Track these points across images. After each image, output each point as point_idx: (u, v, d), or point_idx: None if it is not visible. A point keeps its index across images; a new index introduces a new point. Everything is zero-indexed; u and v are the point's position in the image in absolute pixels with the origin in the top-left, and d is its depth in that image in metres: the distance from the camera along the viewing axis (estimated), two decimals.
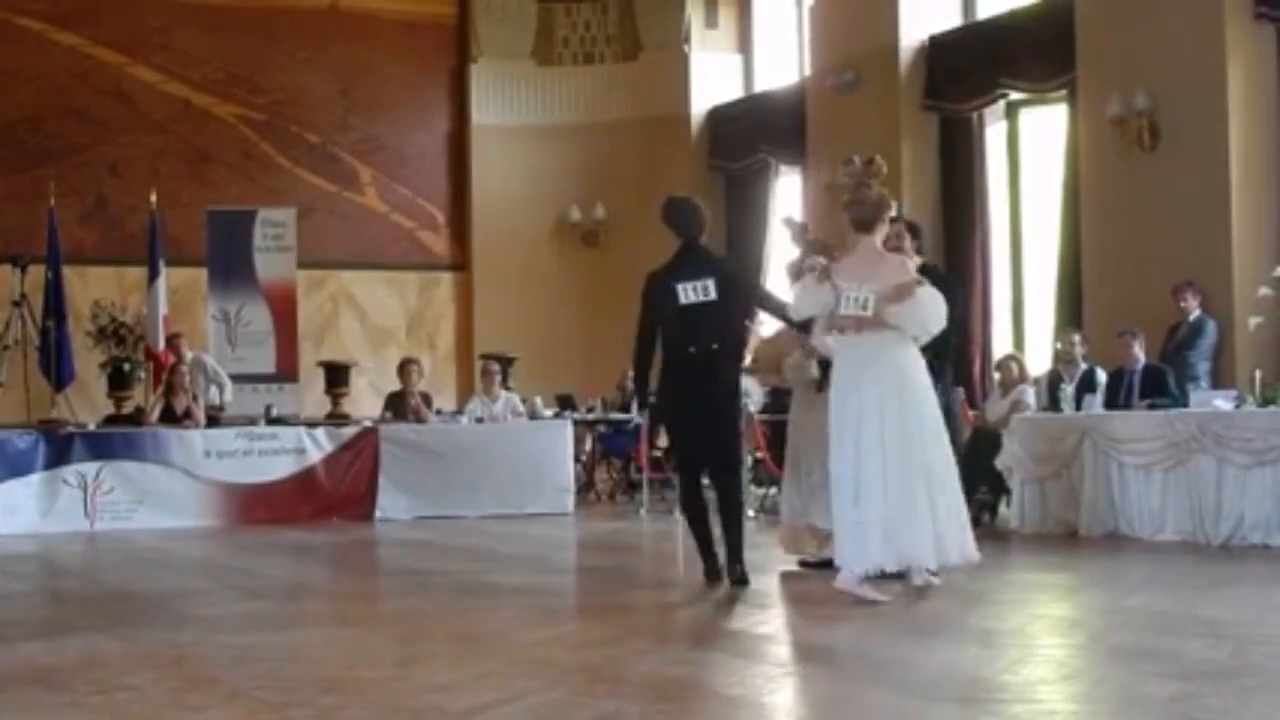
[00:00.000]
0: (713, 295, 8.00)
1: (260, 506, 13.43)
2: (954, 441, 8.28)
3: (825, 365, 8.68)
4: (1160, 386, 11.51)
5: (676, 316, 8.01)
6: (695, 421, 8.04)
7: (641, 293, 8.14)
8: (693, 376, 7.98)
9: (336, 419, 15.36)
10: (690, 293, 8.00)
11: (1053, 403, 12.10)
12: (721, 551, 8.02)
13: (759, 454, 13.89)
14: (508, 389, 15.31)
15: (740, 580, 7.86)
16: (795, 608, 7.49)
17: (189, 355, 15.17)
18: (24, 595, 8.70)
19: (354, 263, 19.36)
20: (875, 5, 16.30)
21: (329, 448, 13.82)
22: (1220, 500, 9.80)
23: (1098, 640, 6.32)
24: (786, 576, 8.60)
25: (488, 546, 10.89)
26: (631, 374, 8.55)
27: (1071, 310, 14.10)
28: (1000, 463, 11.65)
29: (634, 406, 8.53)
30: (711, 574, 8.02)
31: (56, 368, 15.65)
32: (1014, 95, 15.43)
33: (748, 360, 12.27)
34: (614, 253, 19.65)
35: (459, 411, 15.29)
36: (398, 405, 14.83)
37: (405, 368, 15.08)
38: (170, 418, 13.88)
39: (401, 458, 13.77)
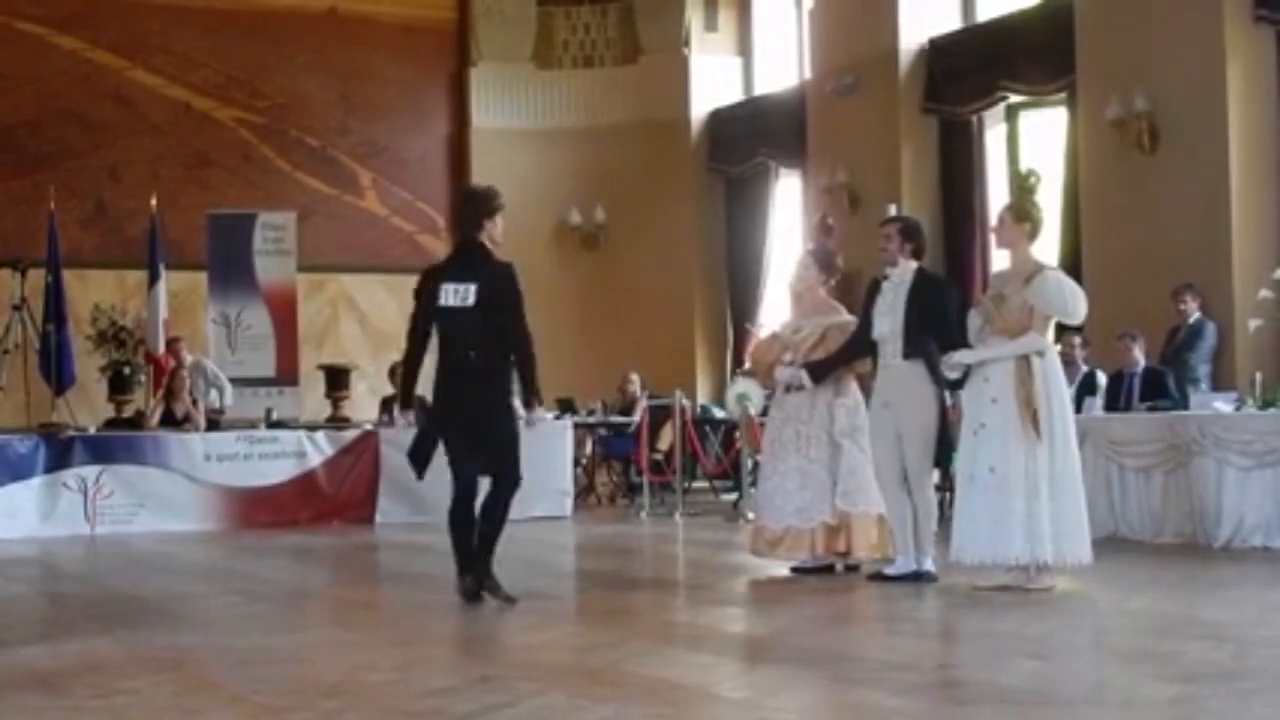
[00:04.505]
0: (471, 301, 7.55)
1: (261, 510, 13.42)
2: (949, 446, 8.31)
3: (815, 374, 8.68)
4: (1160, 389, 11.51)
5: (439, 319, 7.64)
6: (460, 428, 7.65)
7: (415, 289, 7.73)
8: (456, 382, 7.65)
9: (337, 422, 15.35)
10: (450, 295, 7.61)
11: None
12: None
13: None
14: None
15: (472, 594, 7.47)
16: (795, 610, 7.48)
17: (189, 359, 15.17)
18: (24, 599, 8.70)
19: (354, 266, 19.35)
20: (875, 8, 16.31)
21: (329, 451, 13.81)
22: (1220, 503, 9.79)
23: (1099, 642, 6.32)
24: (787, 580, 8.60)
25: None
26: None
27: None
28: None
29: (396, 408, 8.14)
30: (469, 593, 7.51)
31: (57, 371, 15.66)
32: (1014, 98, 15.42)
33: (747, 364, 12.28)
34: (614, 256, 19.66)
35: None
36: (391, 408, 14.86)
37: (396, 371, 15.09)
38: (170, 421, 13.87)
39: (402, 461, 13.66)
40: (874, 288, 8.39)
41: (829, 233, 9.50)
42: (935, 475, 8.36)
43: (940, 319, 8.11)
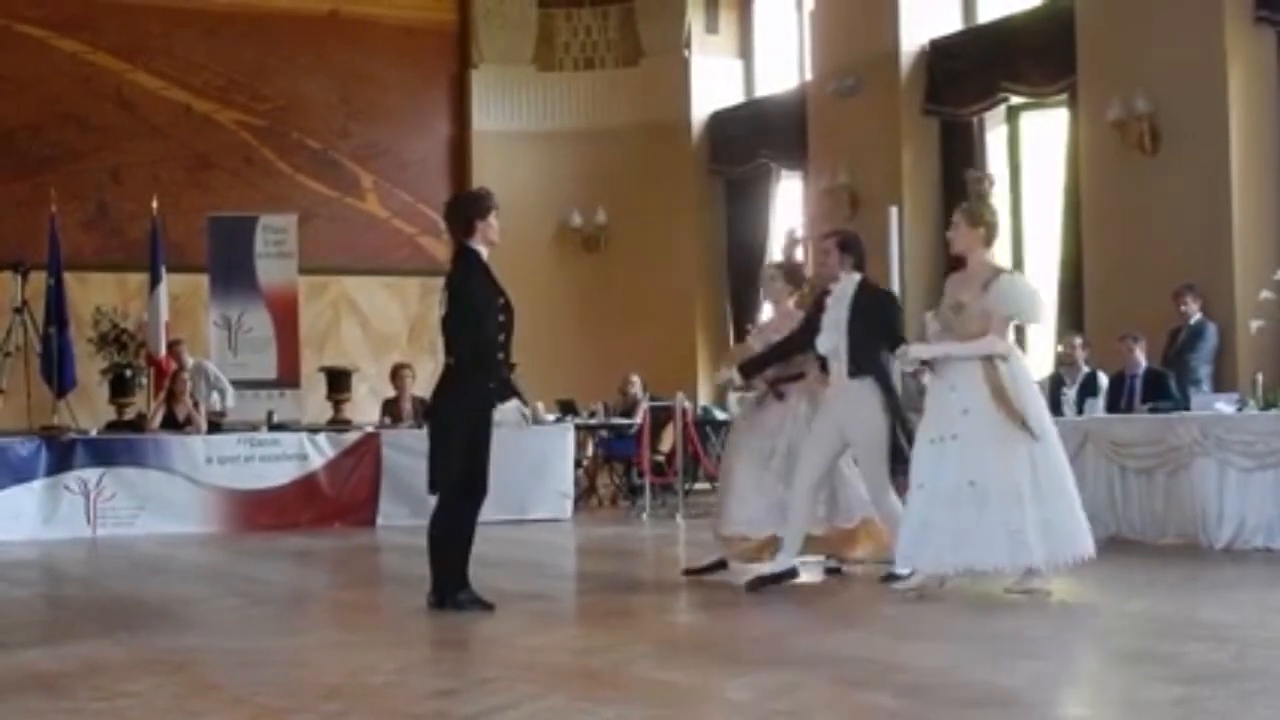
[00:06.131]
0: (443, 310, 7.45)
1: (262, 512, 13.42)
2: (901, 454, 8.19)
3: (746, 371, 8.57)
4: (1162, 390, 11.51)
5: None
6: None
7: None
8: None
9: (338, 425, 15.36)
10: (440, 304, 7.53)
11: (1054, 406, 12.08)
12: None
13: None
14: None
15: (434, 605, 7.41)
16: (797, 612, 7.48)
17: (190, 361, 15.18)
18: (26, 601, 8.70)
19: (355, 268, 19.37)
20: (875, 9, 16.31)
21: (331, 453, 13.82)
22: (1222, 504, 9.79)
23: (1100, 644, 6.32)
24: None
25: (488, 552, 10.88)
26: None
27: (1073, 313, 14.11)
28: None
29: None
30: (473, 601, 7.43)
31: (58, 374, 15.66)
32: (1015, 99, 15.43)
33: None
34: (615, 258, 19.67)
35: None
36: (393, 410, 14.90)
37: (397, 373, 15.15)
38: (172, 424, 13.88)
39: (403, 463, 13.74)
40: (820, 301, 8.33)
41: (797, 246, 9.56)
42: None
43: (885, 328, 8.07)
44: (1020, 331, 8.15)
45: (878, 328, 8.07)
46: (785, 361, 8.60)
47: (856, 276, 8.22)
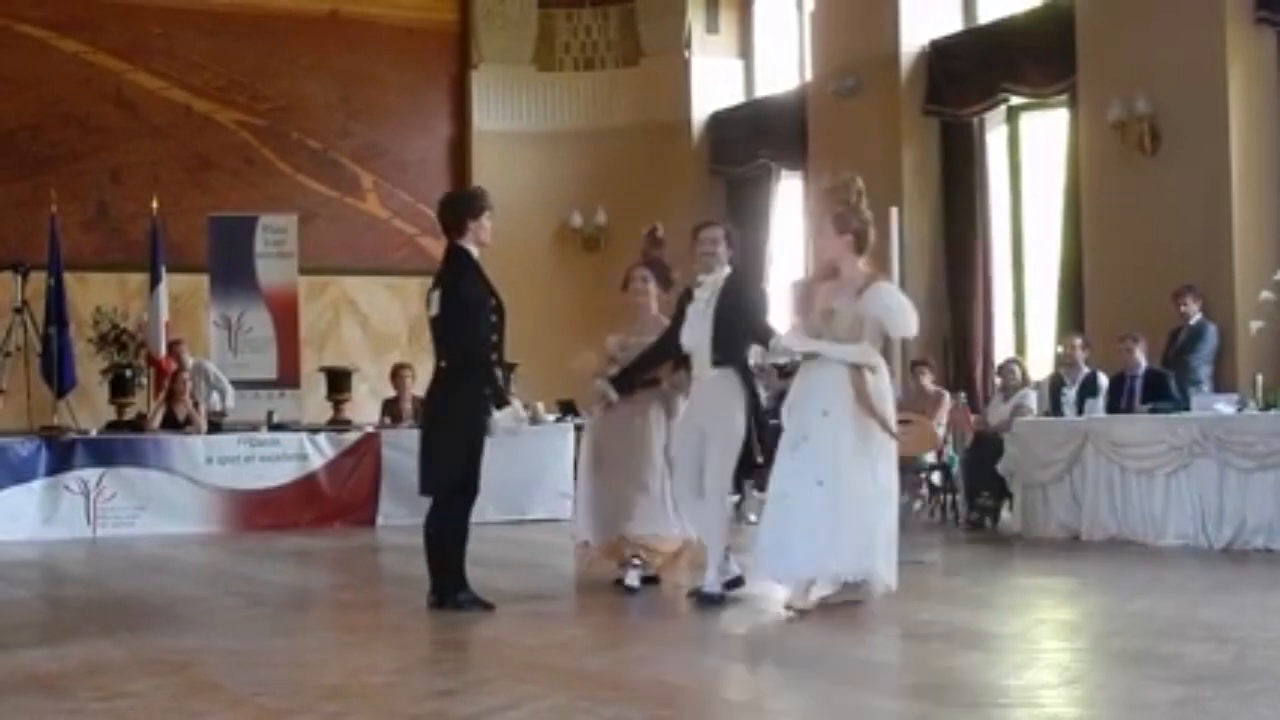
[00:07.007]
0: (434, 310, 7.44)
1: (262, 512, 13.43)
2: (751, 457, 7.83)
3: (619, 384, 8.26)
4: (1162, 391, 11.51)
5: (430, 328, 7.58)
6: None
7: None
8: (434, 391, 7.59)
9: (338, 425, 15.36)
10: (429, 304, 7.51)
11: (1054, 407, 12.12)
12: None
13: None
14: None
15: (434, 605, 7.46)
16: (795, 612, 7.47)
17: (190, 361, 15.18)
18: (26, 602, 8.70)
19: (355, 268, 19.36)
20: (876, 10, 16.30)
21: (331, 453, 13.83)
22: (1222, 504, 9.80)
23: (1100, 644, 6.32)
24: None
25: (488, 552, 10.90)
26: None
27: (1073, 314, 14.10)
28: (1002, 467, 11.68)
29: None
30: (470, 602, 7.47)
31: (58, 374, 15.65)
32: (1015, 99, 15.41)
33: None
34: (615, 258, 19.53)
35: None
36: (393, 410, 14.90)
37: (398, 373, 15.15)
38: (172, 424, 13.88)
39: (403, 463, 13.71)
40: (686, 296, 8.12)
41: (659, 245, 9.37)
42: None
43: (753, 316, 7.86)
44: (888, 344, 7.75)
45: (745, 320, 7.81)
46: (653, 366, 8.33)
47: (727, 269, 8.00)
